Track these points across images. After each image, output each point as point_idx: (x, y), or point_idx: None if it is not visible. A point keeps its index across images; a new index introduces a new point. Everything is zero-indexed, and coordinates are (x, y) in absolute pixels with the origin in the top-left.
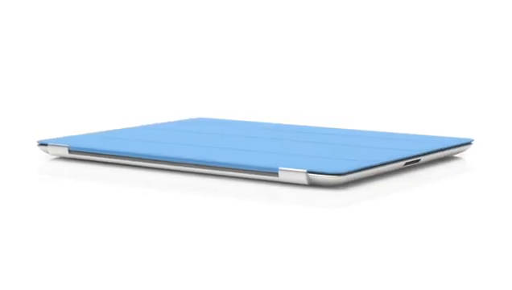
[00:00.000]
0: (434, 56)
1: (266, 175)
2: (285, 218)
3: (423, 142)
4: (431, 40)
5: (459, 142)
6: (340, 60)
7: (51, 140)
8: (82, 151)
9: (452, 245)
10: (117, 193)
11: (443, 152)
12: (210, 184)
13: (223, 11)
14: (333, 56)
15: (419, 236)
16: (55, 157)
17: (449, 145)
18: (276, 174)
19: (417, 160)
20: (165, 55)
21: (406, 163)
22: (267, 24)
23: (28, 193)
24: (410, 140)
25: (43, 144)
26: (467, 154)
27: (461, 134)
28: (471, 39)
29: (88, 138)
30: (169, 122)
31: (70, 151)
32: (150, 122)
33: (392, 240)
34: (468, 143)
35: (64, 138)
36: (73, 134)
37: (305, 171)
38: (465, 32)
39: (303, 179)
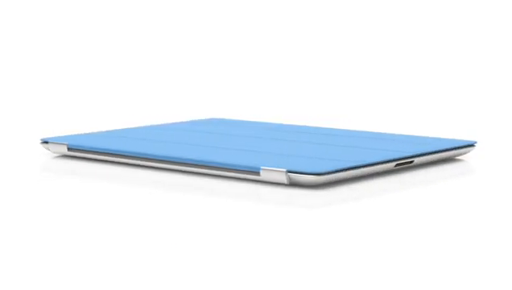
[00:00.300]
0: (440, 59)
1: (248, 174)
2: (262, 217)
3: (418, 143)
4: (437, 43)
5: (457, 145)
6: (344, 60)
7: (52, 138)
8: (80, 149)
9: (429, 247)
10: (113, 191)
11: (442, 154)
12: (195, 183)
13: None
14: (337, 57)
15: (393, 239)
16: (57, 155)
17: (447, 147)
18: (258, 173)
19: (410, 162)
20: (189, 57)
21: (397, 165)
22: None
23: (28, 189)
24: (404, 141)
25: (45, 142)
26: (470, 156)
27: (468, 136)
28: (476, 42)
29: (88, 137)
30: (176, 122)
31: (69, 149)
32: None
33: (363, 243)
34: (471, 146)
35: (66, 136)
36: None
37: (285, 170)
38: (471, 35)
39: (283, 178)
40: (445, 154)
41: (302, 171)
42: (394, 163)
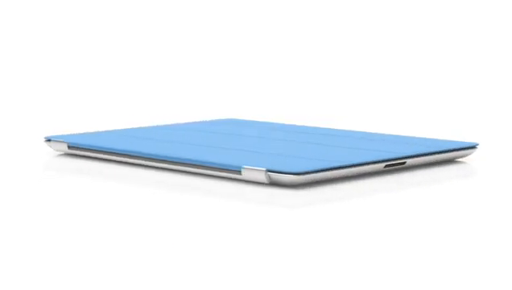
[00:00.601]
0: (442, 60)
1: (231, 173)
2: (240, 217)
3: (411, 144)
4: (440, 46)
5: (455, 146)
6: (347, 61)
7: (54, 136)
8: (80, 147)
9: (412, 249)
10: (109, 190)
11: (439, 155)
12: (180, 181)
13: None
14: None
15: (372, 240)
16: (60, 153)
17: (444, 148)
18: (240, 172)
19: (401, 163)
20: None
21: (387, 166)
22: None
23: (28, 186)
24: (396, 142)
25: (48, 140)
26: (472, 159)
27: (472, 139)
28: (479, 45)
29: (90, 136)
30: (187, 123)
31: (69, 147)
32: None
33: (338, 244)
34: (472, 148)
35: (67, 135)
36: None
37: (265, 169)
38: (473, 38)
39: (263, 177)
40: (444, 155)
41: (281, 170)
42: (384, 164)
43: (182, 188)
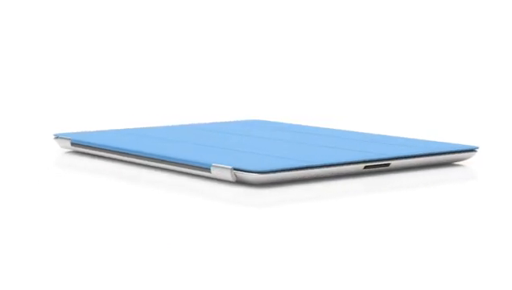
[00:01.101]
0: (442, 64)
1: (201, 170)
2: (198, 214)
3: (400, 145)
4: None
5: (452, 149)
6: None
7: (60, 134)
8: (81, 145)
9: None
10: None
11: (433, 158)
12: (153, 178)
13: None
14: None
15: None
16: (69, 150)
17: (437, 151)
18: (209, 170)
19: (385, 165)
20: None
21: (367, 167)
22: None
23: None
24: (380, 142)
25: (56, 137)
26: (471, 162)
27: (473, 142)
28: (478, 47)
29: (92, 135)
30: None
31: (72, 144)
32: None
33: (294, 245)
34: (471, 151)
35: (73, 133)
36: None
37: (230, 168)
38: (473, 41)
39: (228, 176)
40: (439, 158)
41: (246, 169)
42: (363, 165)
43: (156, 184)
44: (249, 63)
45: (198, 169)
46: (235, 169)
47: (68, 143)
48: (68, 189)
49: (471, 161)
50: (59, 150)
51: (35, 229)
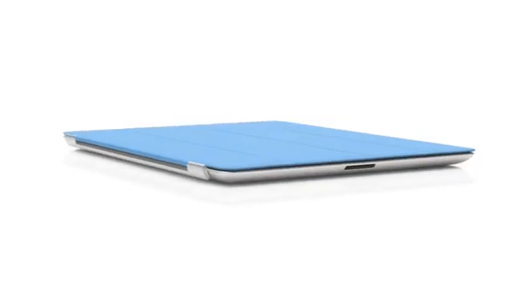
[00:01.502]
0: (439, 66)
1: (177, 168)
2: (172, 212)
3: (387, 145)
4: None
5: (447, 150)
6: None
7: (67, 132)
8: (85, 143)
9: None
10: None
11: (426, 159)
12: (133, 173)
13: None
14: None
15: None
16: (77, 148)
17: (429, 152)
18: (186, 168)
19: (369, 165)
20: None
21: (348, 167)
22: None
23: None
24: (365, 142)
25: (66, 135)
26: (467, 164)
27: (471, 144)
28: (476, 49)
29: (96, 133)
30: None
31: (77, 142)
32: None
33: (260, 244)
34: (467, 153)
35: (79, 131)
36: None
37: (203, 165)
38: (471, 42)
39: (201, 173)
40: (432, 159)
41: (218, 167)
42: (344, 166)
43: (134, 179)
44: (247, 62)
45: (175, 167)
46: (208, 167)
47: (74, 141)
48: (67, 188)
49: (467, 163)
50: (68, 147)
51: (35, 229)
